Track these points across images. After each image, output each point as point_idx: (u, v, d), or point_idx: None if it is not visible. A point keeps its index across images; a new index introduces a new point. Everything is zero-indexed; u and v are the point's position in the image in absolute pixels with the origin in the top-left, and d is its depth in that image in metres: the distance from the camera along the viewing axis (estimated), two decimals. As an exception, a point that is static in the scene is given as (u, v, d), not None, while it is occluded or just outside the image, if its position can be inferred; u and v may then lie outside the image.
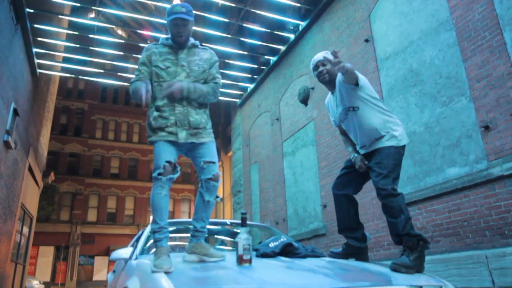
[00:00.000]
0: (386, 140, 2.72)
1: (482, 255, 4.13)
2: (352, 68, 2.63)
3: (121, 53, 10.33)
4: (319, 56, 3.00)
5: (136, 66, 2.68)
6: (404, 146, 2.78)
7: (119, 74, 11.11)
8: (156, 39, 11.60)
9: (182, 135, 2.50)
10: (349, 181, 2.91)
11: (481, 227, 4.28)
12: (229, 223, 4.26)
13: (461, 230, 4.52)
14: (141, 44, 10.39)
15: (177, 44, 2.62)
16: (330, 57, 2.98)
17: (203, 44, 2.94)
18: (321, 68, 2.95)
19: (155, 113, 2.52)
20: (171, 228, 2.55)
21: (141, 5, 14.65)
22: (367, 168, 2.79)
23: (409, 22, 5.68)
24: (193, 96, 2.54)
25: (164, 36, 2.77)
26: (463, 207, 4.53)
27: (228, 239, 4.20)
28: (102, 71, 10.58)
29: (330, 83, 2.98)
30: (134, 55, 10.19)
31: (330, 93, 3.09)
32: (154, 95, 2.54)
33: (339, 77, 2.85)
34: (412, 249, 2.40)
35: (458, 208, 4.59)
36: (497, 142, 4.23)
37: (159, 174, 2.40)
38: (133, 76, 2.65)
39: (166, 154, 2.46)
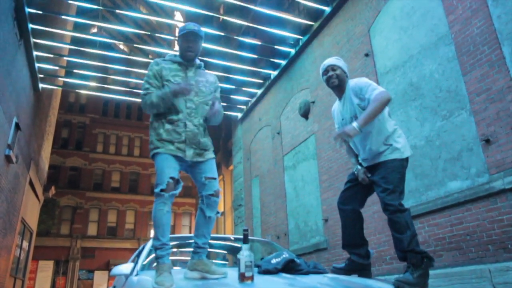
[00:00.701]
0: (389, 153, 2.70)
1: (486, 270, 4.09)
2: (375, 111, 2.62)
3: (124, 67, 10.40)
4: (330, 60, 2.99)
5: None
6: (407, 159, 2.76)
7: (121, 88, 11.17)
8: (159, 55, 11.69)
9: (189, 153, 2.51)
10: (354, 194, 2.88)
11: (484, 241, 4.25)
12: (231, 239, 4.23)
13: (464, 244, 4.49)
14: (143, 59, 10.49)
15: (186, 59, 2.67)
16: (341, 63, 3.00)
17: (205, 58, 3.03)
18: (331, 73, 2.93)
19: (168, 126, 2.51)
20: (172, 243, 2.54)
21: (143, 21, 14.82)
22: (370, 181, 2.77)
23: (408, 36, 5.73)
24: (212, 111, 2.62)
25: (170, 52, 2.82)
26: (465, 221, 4.51)
27: (230, 255, 4.17)
28: (104, 85, 10.66)
29: (338, 88, 2.96)
30: (136, 70, 10.26)
31: (337, 100, 3.07)
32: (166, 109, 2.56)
33: (351, 86, 2.85)
34: (416, 266, 2.38)
35: (460, 222, 4.57)
36: (498, 156, 4.22)
37: (162, 190, 2.38)
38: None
39: (170, 169, 2.43)
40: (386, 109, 2.81)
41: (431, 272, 2.61)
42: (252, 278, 2.18)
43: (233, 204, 12.46)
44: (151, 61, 2.72)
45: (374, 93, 2.68)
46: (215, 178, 2.58)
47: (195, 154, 2.54)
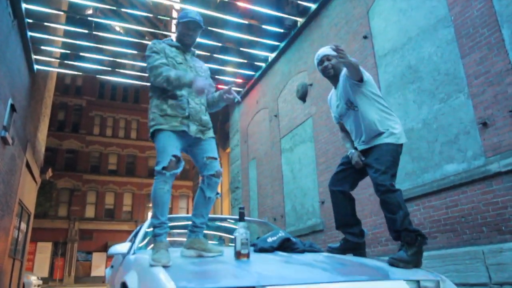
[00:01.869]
0: (385, 137, 2.73)
1: (479, 251, 4.15)
2: (356, 63, 2.64)
3: (120, 49, 10.28)
4: (324, 50, 2.98)
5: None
6: (401, 145, 2.79)
7: (117, 70, 11.06)
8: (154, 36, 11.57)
9: (193, 129, 2.51)
10: (345, 177, 2.91)
11: (478, 223, 4.30)
12: (227, 219, 4.26)
13: (459, 226, 4.54)
14: (140, 41, 10.35)
15: (183, 45, 2.71)
16: (334, 52, 2.99)
17: (203, 40, 3.03)
18: (326, 63, 2.94)
19: (172, 101, 2.51)
20: (170, 224, 2.55)
21: (139, 2, 14.61)
22: (364, 164, 2.79)
23: (407, 18, 5.67)
24: (212, 100, 2.72)
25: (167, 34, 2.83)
26: (460, 204, 4.55)
27: (226, 234, 4.21)
28: (100, 67, 10.54)
29: (334, 78, 2.97)
30: (133, 51, 10.15)
31: (333, 88, 3.08)
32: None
33: (344, 71, 2.85)
34: (410, 244, 2.41)
35: (456, 204, 4.61)
36: (495, 139, 4.24)
37: (163, 168, 2.37)
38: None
39: (172, 147, 2.42)
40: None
41: (425, 253, 2.65)
42: (248, 255, 2.20)
43: (230, 186, 12.52)
44: (148, 42, 2.73)
45: None
46: (216, 158, 2.59)
47: (198, 130, 2.54)
